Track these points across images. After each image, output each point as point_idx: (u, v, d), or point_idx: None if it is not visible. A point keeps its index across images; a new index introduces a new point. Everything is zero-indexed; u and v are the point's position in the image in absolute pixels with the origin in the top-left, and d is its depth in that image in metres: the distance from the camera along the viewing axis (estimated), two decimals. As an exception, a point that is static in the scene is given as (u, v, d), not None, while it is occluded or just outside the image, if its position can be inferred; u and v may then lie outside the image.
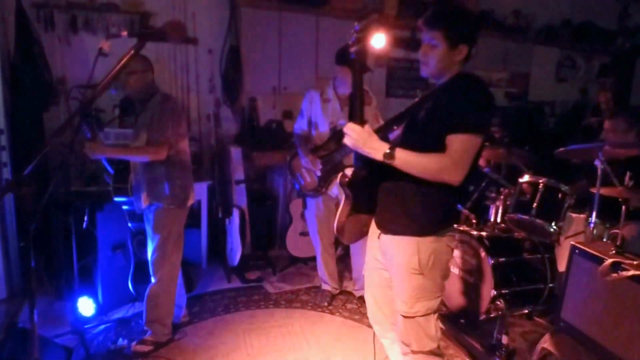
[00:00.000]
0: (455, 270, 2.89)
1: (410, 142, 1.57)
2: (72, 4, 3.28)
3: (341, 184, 1.66)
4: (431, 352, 1.67)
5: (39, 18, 3.20)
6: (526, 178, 2.78)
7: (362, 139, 1.49)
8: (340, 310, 3.09)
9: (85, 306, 2.76)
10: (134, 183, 2.39)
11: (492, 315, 2.63)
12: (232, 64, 3.82)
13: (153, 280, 2.48)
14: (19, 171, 3.07)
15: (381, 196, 1.68)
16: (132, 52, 1.38)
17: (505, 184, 2.93)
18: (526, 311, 2.84)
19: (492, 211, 2.95)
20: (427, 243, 1.59)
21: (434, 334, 1.66)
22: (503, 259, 2.68)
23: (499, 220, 2.92)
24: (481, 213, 3.04)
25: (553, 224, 2.64)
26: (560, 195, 2.68)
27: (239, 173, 3.81)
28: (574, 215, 2.84)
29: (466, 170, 1.49)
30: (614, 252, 1.99)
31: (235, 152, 3.80)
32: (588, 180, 2.83)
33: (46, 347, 2.34)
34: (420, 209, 1.59)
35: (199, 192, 3.54)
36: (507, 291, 2.64)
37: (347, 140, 1.53)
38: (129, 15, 3.50)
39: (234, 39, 3.86)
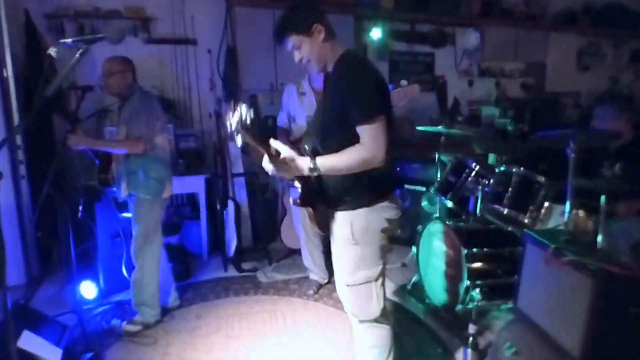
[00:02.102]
0: (437, 263, 2.90)
1: (329, 139, 1.68)
2: (79, 13, 3.55)
3: (294, 204, 1.78)
4: (376, 320, 1.80)
5: (50, 28, 3.49)
6: (502, 168, 2.74)
7: (285, 169, 1.60)
8: (325, 299, 3.18)
9: (88, 289, 3.03)
10: (116, 174, 2.60)
11: (468, 307, 2.63)
12: (230, 63, 3.99)
13: (136, 266, 2.68)
14: (35, 179, 3.37)
15: (325, 183, 1.79)
16: (77, 55, 1.57)
17: (485, 174, 2.89)
18: (509, 304, 2.79)
19: (472, 202, 2.93)
20: (360, 214, 1.70)
21: (375, 301, 1.78)
22: (476, 250, 2.66)
23: (478, 211, 2.90)
24: (464, 204, 3.02)
25: (528, 214, 2.60)
26: (536, 186, 2.63)
27: (237, 167, 3.97)
28: (555, 206, 2.77)
29: (384, 150, 1.57)
30: (564, 239, 1.96)
31: (234, 147, 3.96)
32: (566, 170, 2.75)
33: (45, 322, 2.61)
34: (351, 186, 1.69)
35: (197, 185, 3.75)
36: (482, 282, 2.63)
37: (273, 174, 1.64)
38: (132, 21, 3.74)
39: (231, 38, 4.02)
